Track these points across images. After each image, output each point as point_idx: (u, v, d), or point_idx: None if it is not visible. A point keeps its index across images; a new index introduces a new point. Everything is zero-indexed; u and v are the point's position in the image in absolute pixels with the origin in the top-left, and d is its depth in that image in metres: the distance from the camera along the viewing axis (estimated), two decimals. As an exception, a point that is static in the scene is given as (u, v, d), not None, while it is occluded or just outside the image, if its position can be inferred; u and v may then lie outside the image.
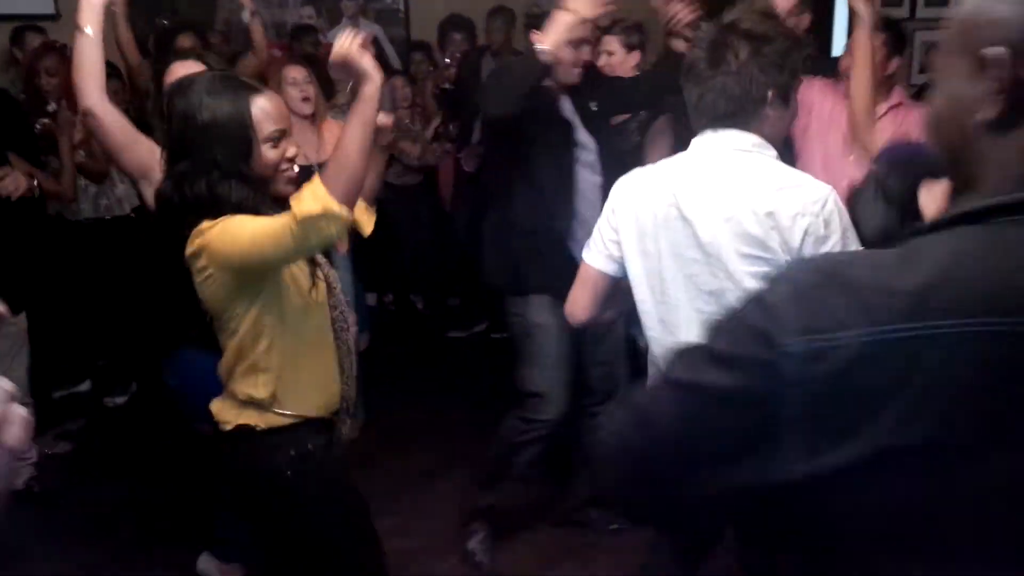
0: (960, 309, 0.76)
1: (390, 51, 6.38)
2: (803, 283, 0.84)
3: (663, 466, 0.92)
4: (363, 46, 1.90)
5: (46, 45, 4.31)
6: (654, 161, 2.12)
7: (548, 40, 2.62)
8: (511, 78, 2.73)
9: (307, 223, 1.77)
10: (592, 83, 3.05)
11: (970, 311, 0.76)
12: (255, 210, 1.87)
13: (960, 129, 0.85)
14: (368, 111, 1.89)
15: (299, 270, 1.99)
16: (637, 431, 0.93)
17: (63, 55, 4.06)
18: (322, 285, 2.06)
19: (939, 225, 0.83)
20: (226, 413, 2.04)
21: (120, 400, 4.50)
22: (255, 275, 1.91)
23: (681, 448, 0.90)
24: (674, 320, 2.02)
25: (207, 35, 4.69)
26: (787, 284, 0.85)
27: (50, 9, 5.20)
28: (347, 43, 1.90)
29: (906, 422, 0.77)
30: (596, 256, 2.14)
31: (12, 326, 3.28)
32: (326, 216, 1.77)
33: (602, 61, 3.55)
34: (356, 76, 1.91)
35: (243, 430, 2.01)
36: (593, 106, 3.03)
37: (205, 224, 1.86)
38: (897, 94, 3.16)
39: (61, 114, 3.73)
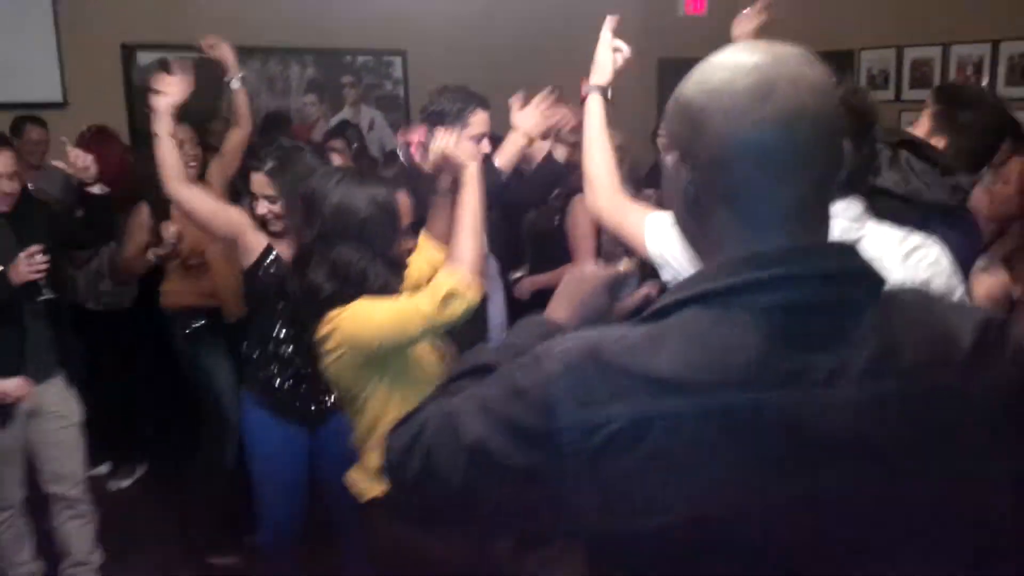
0: (697, 390, 0.85)
1: (388, 136, 6.53)
2: (573, 358, 0.91)
3: (452, 512, 0.99)
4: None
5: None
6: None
7: (502, 160, 2.95)
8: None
9: (440, 304, 1.98)
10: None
11: (706, 389, 0.85)
12: (395, 291, 2.11)
13: (679, 215, 1.00)
14: (474, 194, 2.19)
15: (425, 346, 2.16)
16: (422, 473, 0.98)
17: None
18: (445, 358, 2.22)
19: (669, 308, 0.92)
20: (362, 484, 2.14)
21: (125, 483, 4.48)
22: (386, 354, 2.05)
23: (468, 506, 0.96)
24: None
25: (207, 124, 4.81)
26: (559, 355, 0.92)
27: (58, 97, 5.31)
28: (443, 143, 2.29)
29: (673, 496, 0.85)
30: None
31: (71, 423, 3.26)
32: (456, 296, 1.99)
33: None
34: (455, 168, 2.25)
35: (380, 500, 2.08)
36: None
37: (335, 310, 2.04)
38: None
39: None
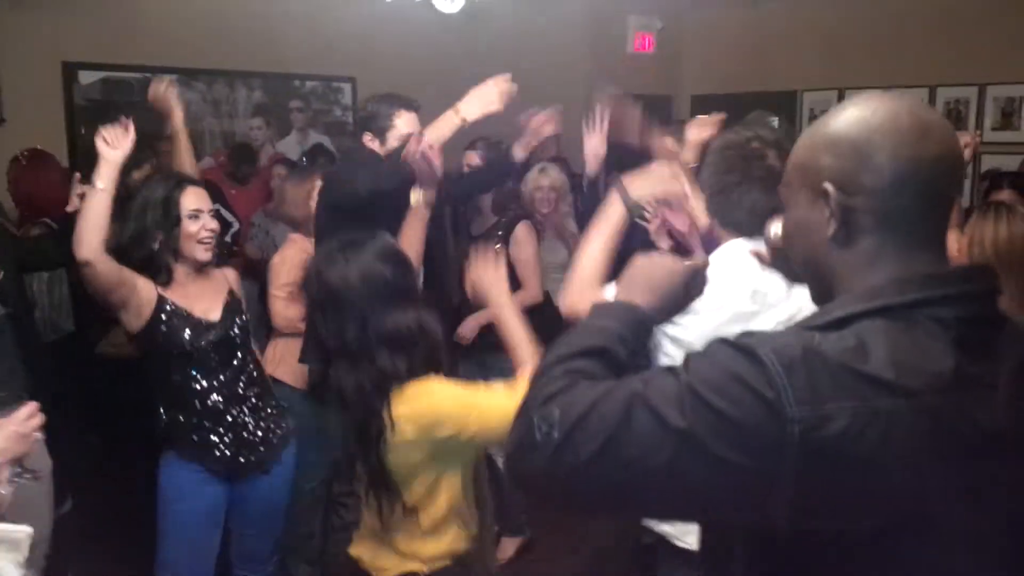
0: (909, 391, 0.93)
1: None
2: (789, 353, 0.95)
3: (631, 493, 0.99)
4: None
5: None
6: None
7: (430, 133, 2.75)
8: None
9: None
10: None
11: (916, 391, 0.93)
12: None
13: (811, 246, 1.10)
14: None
15: None
16: (602, 456, 0.97)
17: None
18: None
19: (848, 320, 1.00)
20: (383, 560, 2.00)
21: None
22: (468, 445, 1.90)
23: (662, 490, 0.97)
24: None
25: (155, 144, 4.73)
26: (773, 351, 0.95)
27: (-5, 114, 5.20)
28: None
29: (888, 494, 0.92)
30: None
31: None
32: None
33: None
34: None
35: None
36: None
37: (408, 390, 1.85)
38: None
39: None
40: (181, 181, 2.66)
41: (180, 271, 2.60)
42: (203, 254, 2.60)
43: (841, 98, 6.71)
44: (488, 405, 1.82)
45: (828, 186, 1.06)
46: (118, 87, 5.79)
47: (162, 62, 5.85)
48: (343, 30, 5.98)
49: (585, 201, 3.79)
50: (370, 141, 2.98)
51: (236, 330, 2.66)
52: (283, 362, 3.37)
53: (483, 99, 2.88)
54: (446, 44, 6.20)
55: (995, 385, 0.97)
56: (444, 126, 2.80)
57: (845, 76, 6.40)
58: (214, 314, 2.63)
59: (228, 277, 2.79)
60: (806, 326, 1.03)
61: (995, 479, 0.97)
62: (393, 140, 2.92)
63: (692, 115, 7.18)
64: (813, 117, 6.83)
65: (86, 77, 5.64)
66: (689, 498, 0.97)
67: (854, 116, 1.06)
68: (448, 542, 1.97)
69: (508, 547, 3.81)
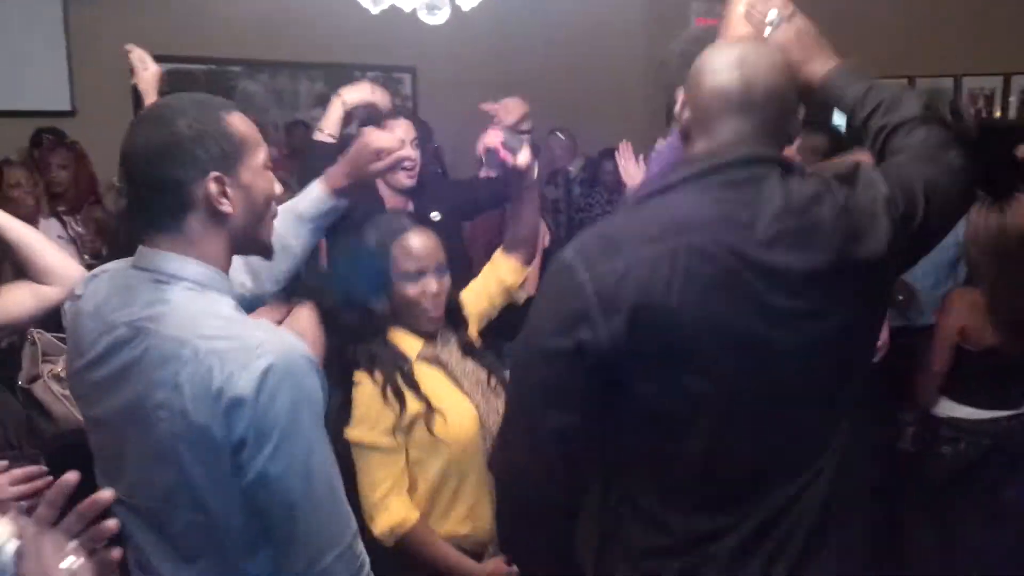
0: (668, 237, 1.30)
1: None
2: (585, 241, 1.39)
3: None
4: None
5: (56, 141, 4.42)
6: None
7: (325, 124, 2.90)
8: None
9: None
10: (434, 192, 3.08)
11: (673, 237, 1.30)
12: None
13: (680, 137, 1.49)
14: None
15: None
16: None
17: (73, 151, 4.17)
18: None
19: (654, 193, 1.42)
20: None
21: None
22: None
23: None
24: None
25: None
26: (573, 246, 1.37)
27: (66, 105, 5.33)
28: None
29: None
30: None
31: None
32: None
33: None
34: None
35: None
36: (435, 216, 2.98)
37: None
38: None
39: None
40: None
41: None
42: None
43: (913, 87, 6.55)
44: None
45: (680, 100, 1.47)
46: (184, 78, 5.90)
47: (226, 54, 5.97)
48: (403, 21, 6.00)
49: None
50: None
51: None
52: None
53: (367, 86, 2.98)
54: (505, 34, 6.19)
55: (752, 227, 1.29)
56: (331, 113, 2.93)
57: (916, 64, 6.23)
58: None
59: None
60: (636, 200, 1.52)
61: (745, 296, 1.28)
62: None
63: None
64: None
65: (154, 69, 5.76)
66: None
67: (705, 55, 1.44)
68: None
69: None
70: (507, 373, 2.00)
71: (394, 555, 1.96)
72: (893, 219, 1.35)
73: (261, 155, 1.41)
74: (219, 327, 1.31)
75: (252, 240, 1.44)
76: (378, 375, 1.99)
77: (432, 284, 2.04)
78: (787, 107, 1.41)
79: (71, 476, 1.08)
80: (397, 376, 1.99)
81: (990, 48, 6.13)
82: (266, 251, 1.50)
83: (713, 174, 1.34)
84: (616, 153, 3.41)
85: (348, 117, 2.92)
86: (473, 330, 2.21)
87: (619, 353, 1.27)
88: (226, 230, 1.38)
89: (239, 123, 1.38)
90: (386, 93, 3.01)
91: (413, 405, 1.98)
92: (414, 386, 2.00)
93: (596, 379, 1.30)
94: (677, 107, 1.48)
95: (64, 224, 4.04)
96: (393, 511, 1.97)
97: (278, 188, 1.47)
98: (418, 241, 2.05)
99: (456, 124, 4.97)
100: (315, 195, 1.88)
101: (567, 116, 5.96)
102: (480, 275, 2.31)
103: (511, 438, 1.45)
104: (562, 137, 5.77)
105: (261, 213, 1.44)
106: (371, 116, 2.95)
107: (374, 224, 2.13)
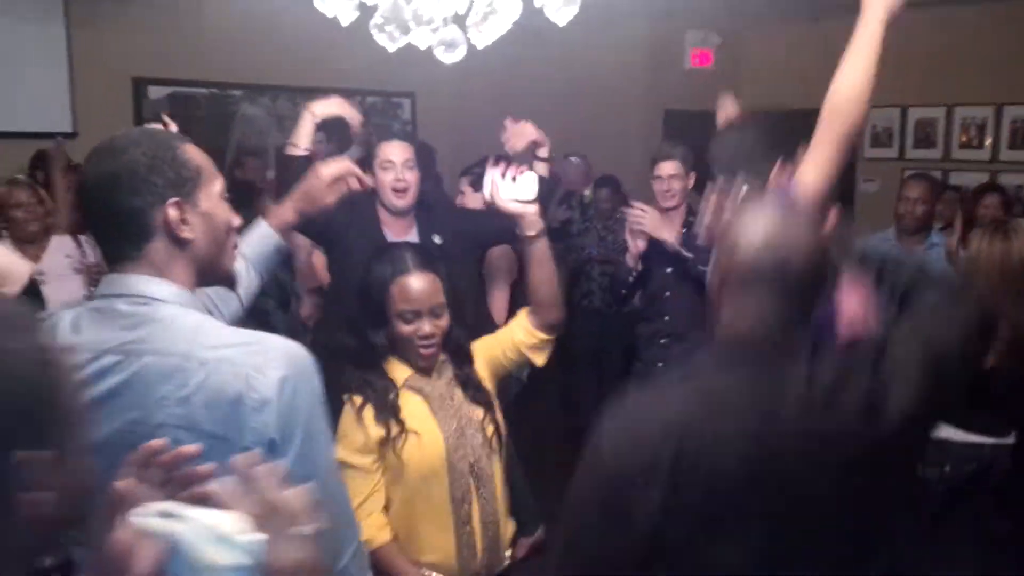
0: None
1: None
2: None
3: None
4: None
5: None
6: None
7: (297, 139, 2.91)
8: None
9: None
10: (439, 216, 3.12)
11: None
12: None
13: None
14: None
15: None
16: None
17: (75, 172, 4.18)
18: None
19: None
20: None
21: None
22: None
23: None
24: None
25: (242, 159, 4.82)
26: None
27: (68, 127, 5.35)
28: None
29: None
30: None
31: None
32: None
33: (458, 200, 3.76)
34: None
35: None
36: (437, 239, 3.02)
37: None
38: None
39: None
40: None
41: None
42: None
43: (904, 115, 6.62)
44: None
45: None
46: (185, 102, 5.95)
47: (227, 78, 6.00)
48: (403, 47, 6.06)
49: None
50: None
51: None
52: None
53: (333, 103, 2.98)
54: (504, 61, 6.24)
55: (776, 412, 1.34)
56: (301, 127, 2.95)
57: (907, 94, 6.30)
58: None
59: None
60: None
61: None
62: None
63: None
64: (875, 134, 6.77)
65: (155, 92, 5.81)
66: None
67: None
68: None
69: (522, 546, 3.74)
70: (499, 416, 2.21)
71: None
72: (927, 388, 1.37)
73: (218, 184, 1.42)
74: (223, 337, 1.32)
75: (215, 268, 1.44)
76: (356, 398, 2.09)
77: (425, 326, 2.10)
78: (819, 278, 1.43)
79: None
80: (383, 400, 2.08)
81: (982, 78, 6.22)
82: (229, 280, 1.51)
83: (741, 362, 1.38)
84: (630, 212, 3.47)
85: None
86: (480, 370, 2.25)
87: (657, 532, 1.31)
88: (189, 256, 1.38)
89: (194, 152, 1.40)
90: (355, 107, 3.06)
91: (391, 429, 2.07)
92: (394, 412, 2.08)
93: (635, 557, 1.34)
94: (709, 271, 1.53)
95: (79, 243, 3.95)
96: (363, 528, 2.00)
97: (236, 219, 1.47)
98: (416, 283, 2.10)
99: (454, 149, 5.02)
100: (260, 233, 1.90)
101: (566, 141, 6.01)
102: (506, 326, 2.37)
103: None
104: (576, 161, 5.81)
105: (222, 241, 1.44)
106: (341, 130, 3.01)
107: (378, 259, 2.17)
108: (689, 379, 1.42)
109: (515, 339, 2.27)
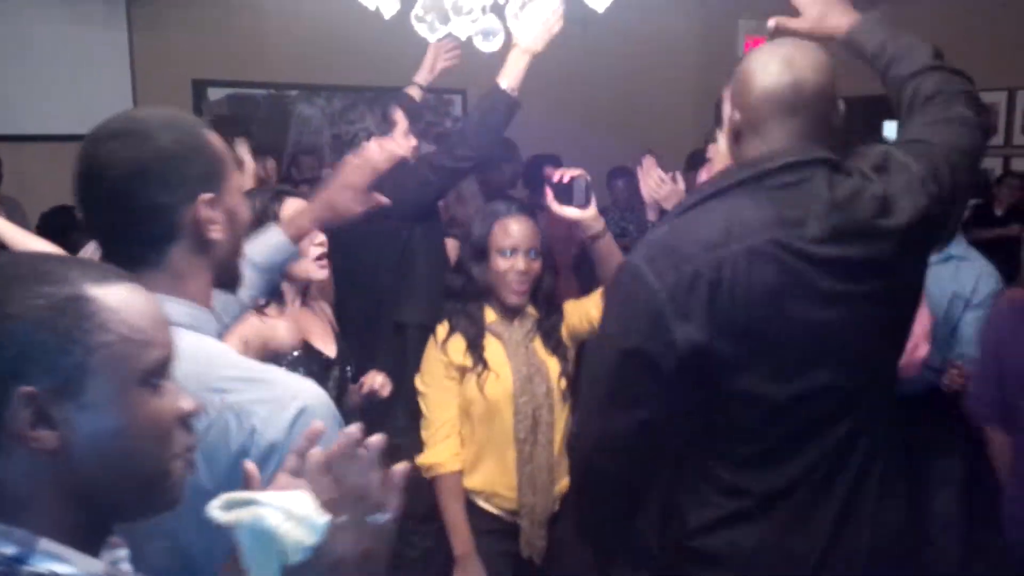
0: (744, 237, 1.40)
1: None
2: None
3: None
4: None
5: None
6: None
7: (507, 80, 2.79)
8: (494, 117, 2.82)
9: None
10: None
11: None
12: None
13: (727, 142, 1.56)
14: None
15: None
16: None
17: None
18: None
19: (709, 196, 1.48)
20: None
21: None
22: None
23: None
24: None
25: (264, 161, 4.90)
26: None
27: (131, 129, 5.50)
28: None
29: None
30: None
31: None
32: None
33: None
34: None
35: None
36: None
37: None
38: None
39: None
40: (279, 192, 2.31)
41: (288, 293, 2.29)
42: (318, 272, 2.26)
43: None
44: None
45: (728, 105, 1.55)
46: (244, 102, 6.08)
47: (284, 78, 6.12)
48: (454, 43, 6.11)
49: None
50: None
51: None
52: None
53: (542, 24, 2.63)
54: (555, 54, 6.26)
55: (802, 224, 1.39)
56: (513, 67, 2.79)
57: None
58: (331, 349, 2.33)
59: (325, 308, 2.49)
60: (695, 202, 1.52)
61: (805, 287, 1.39)
62: None
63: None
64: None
65: (214, 93, 5.94)
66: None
67: (749, 56, 1.52)
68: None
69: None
70: (570, 370, 2.39)
71: (428, 486, 2.34)
72: (930, 195, 1.47)
73: (237, 176, 1.27)
74: (233, 376, 1.15)
75: (230, 270, 1.28)
76: (441, 329, 2.36)
77: (520, 262, 2.32)
78: (833, 103, 1.49)
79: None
80: (473, 332, 2.34)
81: (995, 63, 6.07)
82: (236, 283, 1.35)
83: (765, 178, 1.44)
84: (639, 169, 3.37)
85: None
86: (565, 326, 2.46)
87: (696, 354, 1.37)
88: (210, 260, 1.21)
89: (216, 139, 1.23)
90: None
91: (473, 362, 2.32)
92: (479, 346, 2.33)
93: (671, 378, 1.39)
94: (725, 109, 1.55)
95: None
96: (434, 452, 2.34)
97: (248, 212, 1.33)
98: (516, 224, 2.35)
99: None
100: (275, 243, 1.75)
101: (616, 137, 6.01)
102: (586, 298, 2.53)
103: (584, 431, 1.56)
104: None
105: (242, 239, 1.29)
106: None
107: (487, 207, 2.48)
108: (717, 205, 1.45)
109: (590, 313, 2.42)
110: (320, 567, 0.90)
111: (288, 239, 1.75)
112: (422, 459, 2.32)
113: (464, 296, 2.37)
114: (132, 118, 1.24)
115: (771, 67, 1.45)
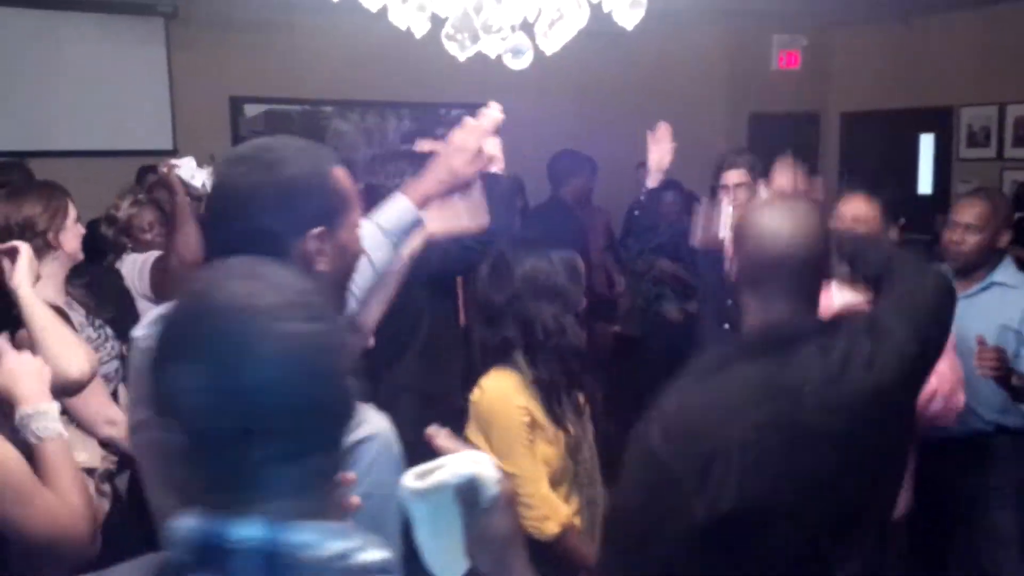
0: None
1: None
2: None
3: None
4: None
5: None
6: None
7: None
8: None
9: None
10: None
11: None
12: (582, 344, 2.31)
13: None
14: None
15: None
16: None
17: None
18: None
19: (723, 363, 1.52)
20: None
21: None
22: None
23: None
24: None
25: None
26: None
27: (168, 145, 5.60)
28: None
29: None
30: None
31: None
32: None
33: None
34: None
35: None
36: None
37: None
38: None
39: None
40: None
41: None
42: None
43: (1002, 113, 6.36)
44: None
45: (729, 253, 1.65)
46: (280, 118, 6.18)
47: (319, 95, 6.20)
48: (487, 60, 6.15)
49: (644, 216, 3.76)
50: None
51: None
52: None
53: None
54: (586, 69, 6.29)
55: (799, 390, 1.43)
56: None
57: (1005, 90, 6.09)
58: None
59: None
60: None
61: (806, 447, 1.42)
62: None
63: (841, 133, 7.01)
64: (971, 133, 6.52)
65: (251, 110, 6.05)
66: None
67: (748, 217, 1.61)
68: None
69: None
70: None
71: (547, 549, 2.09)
72: (913, 357, 1.53)
73: (356, 213, 1.32)
74: None
75: (336, 298, 1.31)
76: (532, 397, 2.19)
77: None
78: (825, 265, 1.60)
79: None
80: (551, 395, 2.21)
81: (986, 78, 6.15)
82: (341, 310, 1.36)
83: (768, 351, 1.49)
84: (650, 136, 3.38)
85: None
86: None
87: (713, 522, 1.38)
88: (316, 286, 1.18)
89: (343, 178, 1.29)
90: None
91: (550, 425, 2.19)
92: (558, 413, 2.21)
93: (686, 549, 1.42)
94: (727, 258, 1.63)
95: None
96: (558, 514, 2.13)
97: (363, 245, 1.38)
98: None
99: (539, 160, 5.06)
100: (400, 207, 1.77)
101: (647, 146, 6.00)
102: None
103: None
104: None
105: (350, 272, 1.34)
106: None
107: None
108: (723, 369, 1.50)
109: None
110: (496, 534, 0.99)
111: (413, 204, 1.79)
112: (561, 517, 2.15)
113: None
114: (265, 145, 1.30)
115: (770, 231, 1.53)
